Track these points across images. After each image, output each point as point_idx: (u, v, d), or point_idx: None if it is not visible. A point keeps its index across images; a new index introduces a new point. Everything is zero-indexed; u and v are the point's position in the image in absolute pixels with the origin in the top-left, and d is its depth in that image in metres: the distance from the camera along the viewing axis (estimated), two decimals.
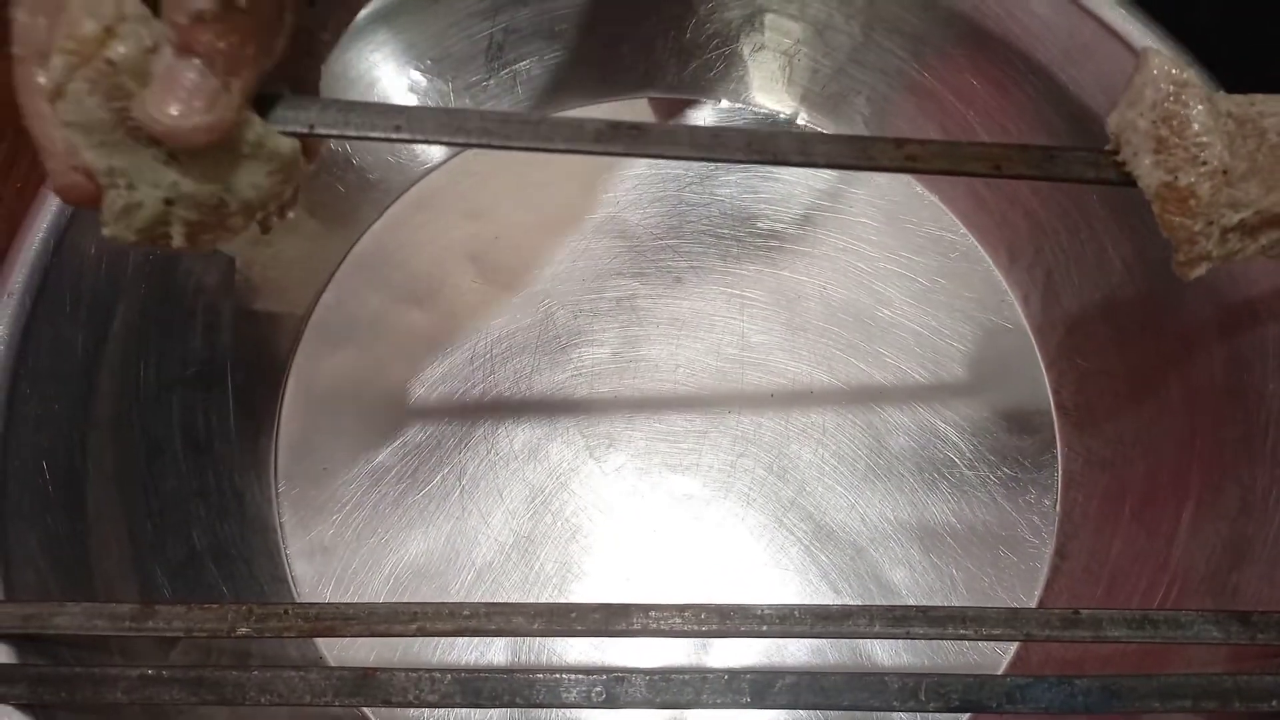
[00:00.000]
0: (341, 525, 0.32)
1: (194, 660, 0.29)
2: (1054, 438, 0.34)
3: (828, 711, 0.30)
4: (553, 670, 0.24)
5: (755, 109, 0.39)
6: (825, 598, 0.31)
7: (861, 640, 0.31)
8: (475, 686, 0.24)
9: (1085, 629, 0.24)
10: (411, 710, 0.30)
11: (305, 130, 0.22)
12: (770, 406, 0.34)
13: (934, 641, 0.31)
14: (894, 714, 0.30)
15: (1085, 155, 0.24)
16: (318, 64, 0.24)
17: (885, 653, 0.31)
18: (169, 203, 0.21)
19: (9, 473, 0.27)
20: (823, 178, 0.38)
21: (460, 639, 0.31)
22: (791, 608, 0.25)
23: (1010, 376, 0.35)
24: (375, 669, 0.24)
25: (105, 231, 0.21)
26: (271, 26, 0.21)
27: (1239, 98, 0.24)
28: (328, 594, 0.31)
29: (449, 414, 0.34)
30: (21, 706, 0.24)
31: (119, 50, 0.19)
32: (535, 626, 0.24)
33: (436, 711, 0.30)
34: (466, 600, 0.30)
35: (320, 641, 0.31)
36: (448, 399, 0.34)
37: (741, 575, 0.32)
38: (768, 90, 0.39)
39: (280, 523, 0.32)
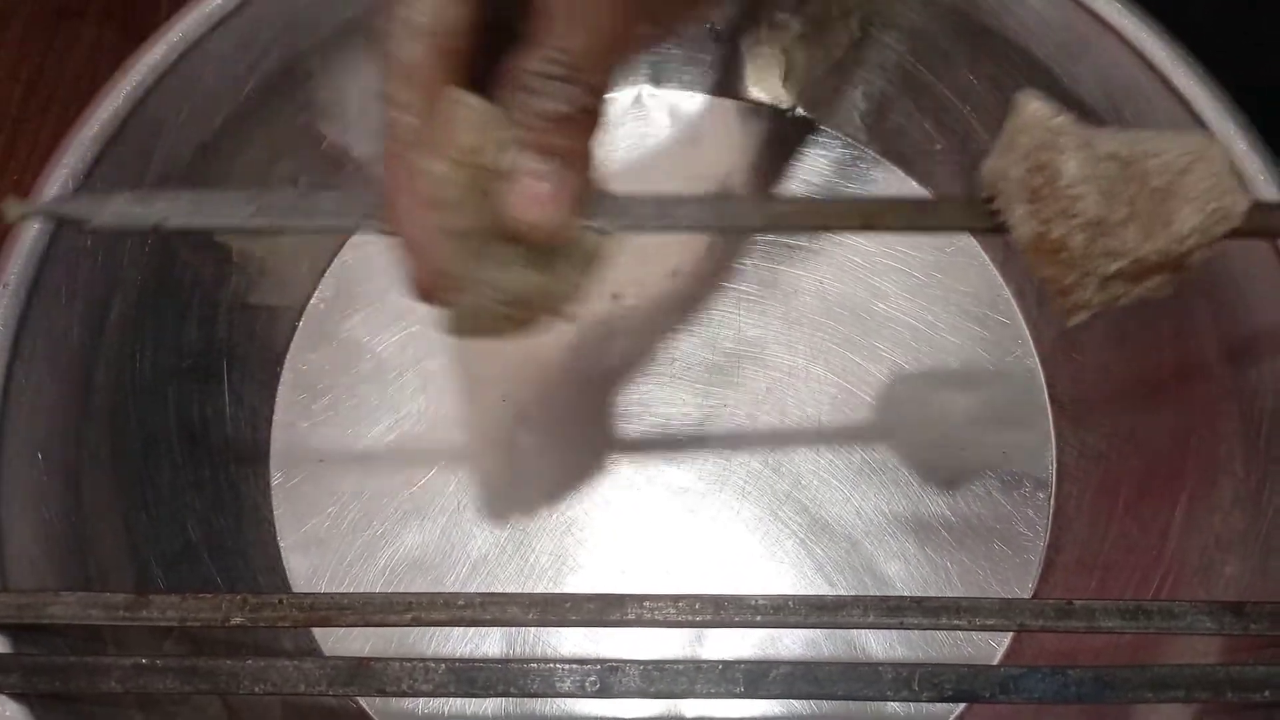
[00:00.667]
0: (337, 518, 0.32)
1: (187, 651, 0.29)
2: (1049, 431, 0.34)
3: (821, 703, 0.30)
4: (547, 660, 0.24)
5: (752, 103, 0.39)
6: (820, 590, 0.32)
7: (856, 634, 0.31)
8: (470, 676, 0.24)
9: (1079, 619, 0.24)
10: (406, 701, 0.30)
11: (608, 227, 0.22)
12: (766, 400, 0.34)
13: (929, 635, 0.31)
14: (888, 705, 0.30)
15: (960, 205, 0.24)
16: None
17: (880, 646, 0.31)
18: (508, 303, 0.22)
19: (3, 463, 0.26)
20: (820, 173, 0.38)
21: (455, 632, 0.31)
22: (786, 598, 0.25)
23: (1005, 371, 0.35)
24: (370, 659, 0.24)
25: (447, 328, 0.22)
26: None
27: (1125, 136, 0.23)
28: (323, 586, 0.32)
29: (443, 407, 0.34)
30: (15, 696, 0.24)
31: (489, 157, 0.20)
32: (530, 616, 0.24)
33: (432, 703, 0.30)
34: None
35: (316, 634, 0.31)
36: (442, 391, 0.34)
37: (737, 568, 0.32)
38: (765, 85, 0.39)
39: (275, 515, 0.32)
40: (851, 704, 0.30)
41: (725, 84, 0.39)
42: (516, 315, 0.22)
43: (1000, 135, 0.23)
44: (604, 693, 0.24)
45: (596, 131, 0.22)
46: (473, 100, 0.21)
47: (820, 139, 0.38)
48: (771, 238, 0.36)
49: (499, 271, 0.22)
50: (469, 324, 0.22)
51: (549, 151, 0.21)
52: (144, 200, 0.21)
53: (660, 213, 0.23)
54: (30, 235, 0.29)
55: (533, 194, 0.21)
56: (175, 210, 0.21)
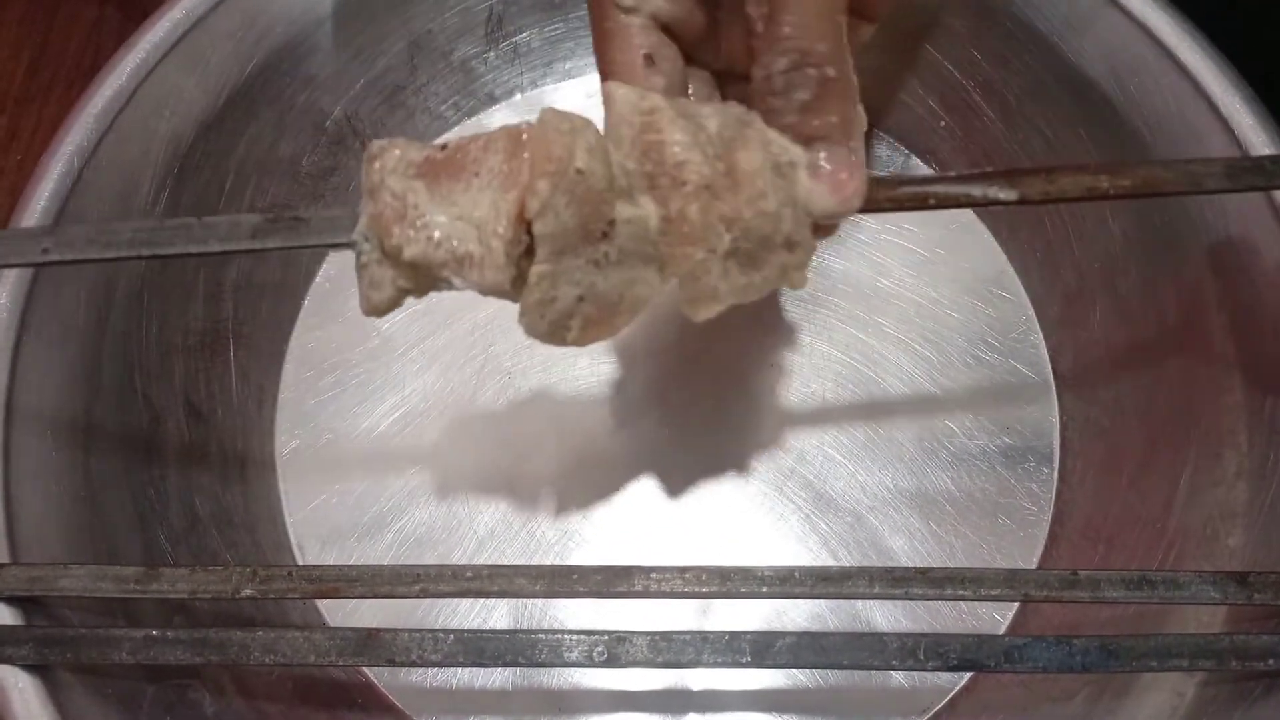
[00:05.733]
0: (343, 494, 0.32)
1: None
2: (1052, 406, 0.34)
3: (827, 674, 0.30)
4: (554, 631, 0.24)
5: None
6: (825, 563, 0.32)
7: (861, 608, 0.31)
8: (478, 646, 0.24)
9: (1084, 589, 0.25)
10: (415, 675, 0.30)
11: None
12: (770, 376, 0.34)
13: (934, 609, 0.31)
14: (893, 677, 0.30)
15: None
16: None
17: (885, 619, 0.31)
18: (581, 299, 0.22)
19: (14, 439, 0.27)
20: None
21: (463, 606, 0.31)
22: (791, 569, 0.25)
23: (1009, 346, 0.35)
24: (379, 629, 0.24)
25: (521, 320, 0.22)
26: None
27: (714, 106, 0.23)
28: (330, 561, 0.32)
29: (449, 384, 0.34)
30: (27, 667, 0.24)
31: (583, 162, 0.21)
32: (537, 588, 0.25)
33: (440, 675, 0.30)
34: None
35: (323, 608, 0.31)
36: (449, 368, 0.34)
37: (742, 543, 0.32)
38: None
39: (282, 491, 0.32)
40: (856, 675, 0.30)
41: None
42: (591, 315, 0.23)
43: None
44: (611, 662, 0.24)
45: (849, 92, 0.23)
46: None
47: None
48: None
49: (579, 272, 0.22)
50: (538, 315, 0.22)
51: (816, 137, 0.22)
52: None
53: None
54: (37, 211, 0.29)
55: (823, 184, 0.22)
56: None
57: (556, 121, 0.21)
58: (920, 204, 0.24)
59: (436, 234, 0.21)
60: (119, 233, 0.23)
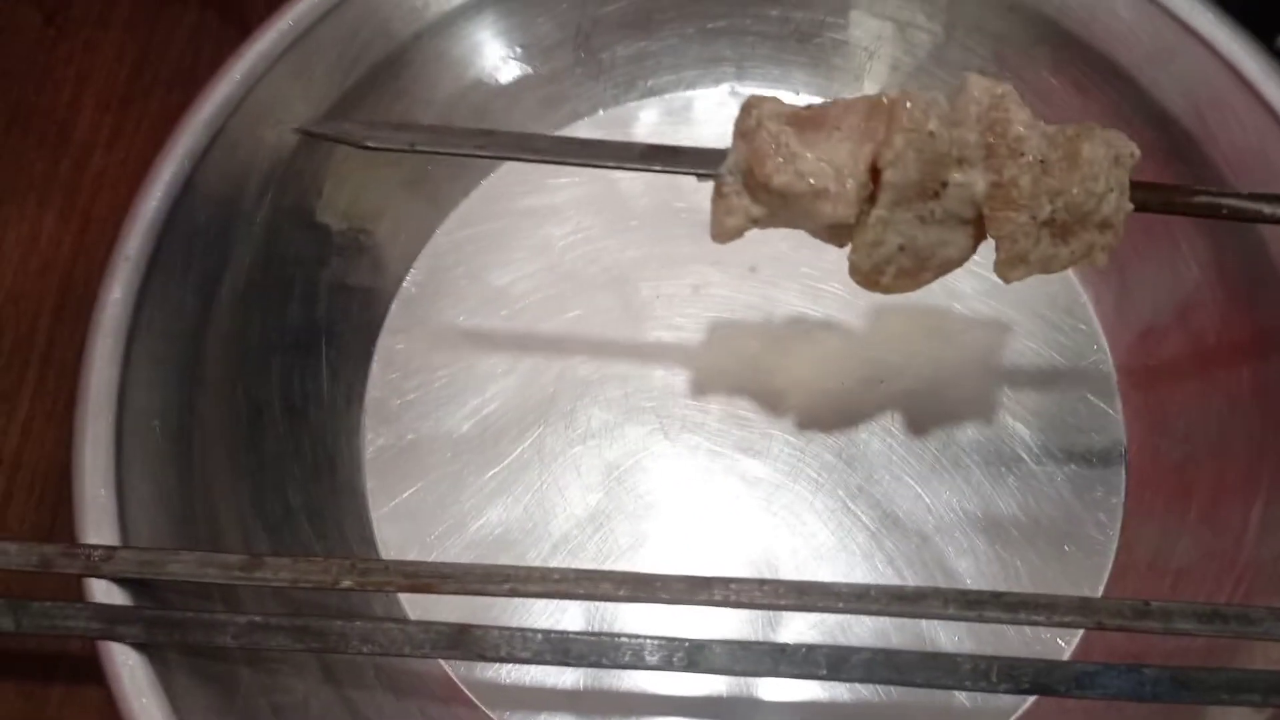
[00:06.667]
0: (425, 492, 0.34)
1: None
2: (1122, 436, 0.34)
3: (890, 691, 0.31)
4: (637, 635, 0.25)
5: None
6: (891, 582, 0.32)
7: (925, 625, 0.32)
8: (564, 646, 0.25)
9: (1156, 620, 0.25)
10: (490, 671, 0.31)
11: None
12: (841, 395, 0.35)
13: (998, 631, 0.32)
14: (956, 696, 0.31)
15: None
16: None
17: (948, 638, 0.32)
18: (901, 248, 0.26)
19: (125, 429, 0.28)
20: None
21: (537, 606, 0.32)
22: (867, 587, 0.25)
23: (1081, 375, 0.35)
24: (471, 625, 0.25)
25: (851, 256, 0.27)
26: None
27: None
28: (411, 558, 0.33)
29: (529, 390, 0.35)
30: (136, 646, 0.26)
31: (935, 126, 0.25)
32: (621, 593, 0.26)
33: (515, 673, 0.31)
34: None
35: (403, 601, 0.32)
36: (528, 376, 0.35)
37: (809, 556, 0.33)
38: (848, 86, 0.39)
39: (368, 487, 0.34)
40: (920, 692, 0.31)
41: (807, 83, 0.40)
42: (906, 265, 0.26)
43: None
44: (691, 668, 0.25)
45: None
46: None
47: None
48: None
49: (905, 225, 0.26)
50: (865, 254, 0.26)
51: None
52: (400, 129, 0.27)
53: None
54: (150, 210, 0.30)
55: None
56: (420, 138, 0.27)
57: (914, 94, 0.25)
58: (1213, 213, 0.27)
59: (803, 167, 0.25)
60: (537, 141, 0.28)
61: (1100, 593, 0.32)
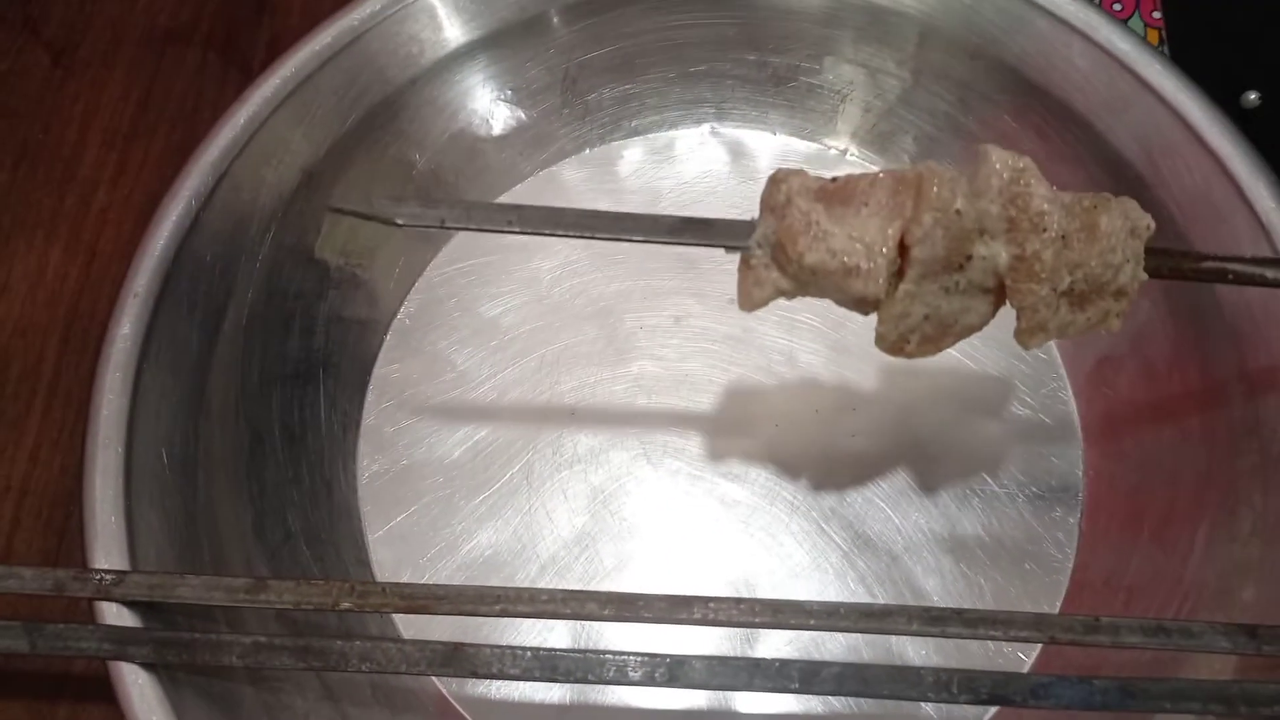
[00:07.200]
0: (418, 516, 0.35)
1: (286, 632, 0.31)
2: (1079, 460, 0.36)
3: (860, 702, 0.32)
4: (620, 652, 0.27)
5: (809, 143, 0.41)
6: (862, 600, 0.34)
7: (894, 642, 0.33)
8: (552, 663, 0.26)
9: (1105, 634, 0.27)
10: (480, 687, 0.33)
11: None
12: (815, 422, 0.37)
13: (962, 645, 0.33)
14: (922, 707, 0.33)
15: None
16: None
17: (915, 653, 0.33)
18: (926, 318, 0.27)
19: (134, 458, 0.30)
20: None
21: (526, 625, 0.33)
22: (838, 605, 0.27)
23: (1041, 402, 0.37)
24: (464, 644, 0.26)
25: (879, 328, 0.27)
26: None
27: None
28: (405, 578, 0.34)
29: (518, 417, 0.37)
30: (145, 665, 0.27)
31: (962, 205, 0.25)
32: (606, 612, 0.27)
33: (504, 688, 0.33)
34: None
35: (399, 621, 0.34)
36: (517, 404, 0.37)
37: (785, 575, 0.34)
38: (822, 126, 0.41)
39: (363, 511, 0.35)
40: (889, 703, 0.33)
41: (783, 124, 0.42)
42: (929, 333, 0.27)
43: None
44: (672, 682, 0.26)
45: None
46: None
47: None
48: None
49: (931, 296, 0.26)
50: (892, 325, 0.27)
51: None
52: (430, 205, 0.27)
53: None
54: (158, 248, 0.32)
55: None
56: (451, 215, 0.27)
57: (939, 170, 0.25)
58: (1220, 278, 0.28)
59: (834, 245, 0.26)
60: (566, 216, 0.27)
61: (1059, 608, 0.34)
